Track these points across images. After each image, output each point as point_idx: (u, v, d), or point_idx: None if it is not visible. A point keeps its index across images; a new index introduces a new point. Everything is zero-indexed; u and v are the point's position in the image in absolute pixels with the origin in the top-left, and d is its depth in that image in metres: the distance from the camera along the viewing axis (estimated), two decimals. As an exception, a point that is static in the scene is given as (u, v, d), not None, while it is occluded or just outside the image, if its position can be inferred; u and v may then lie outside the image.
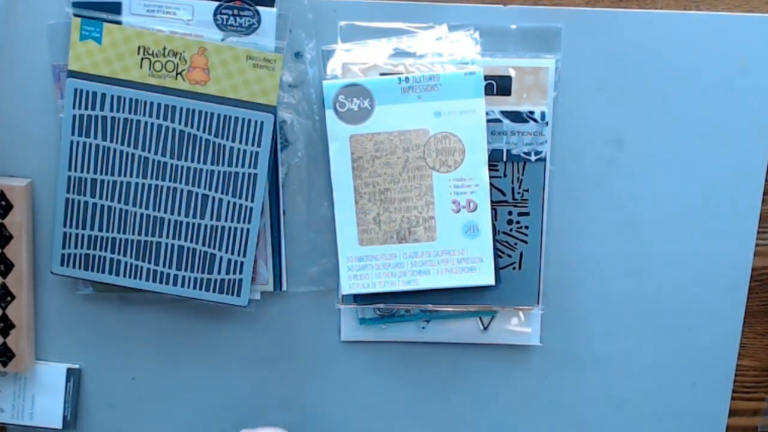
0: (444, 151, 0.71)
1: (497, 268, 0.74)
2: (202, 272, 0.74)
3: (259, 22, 0.70)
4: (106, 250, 0.73)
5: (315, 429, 0.81)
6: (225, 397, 0.80)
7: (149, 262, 0.74)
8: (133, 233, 0.73)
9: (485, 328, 0.77)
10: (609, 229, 0.76)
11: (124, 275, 0.74)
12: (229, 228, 0.73)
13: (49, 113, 0.73)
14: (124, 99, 0.71)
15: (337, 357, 0.79)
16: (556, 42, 0.72)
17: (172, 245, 0.73)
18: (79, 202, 0.73)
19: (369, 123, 0.71)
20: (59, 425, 0.79)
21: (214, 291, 0.74)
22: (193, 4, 0.70)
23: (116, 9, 0.70)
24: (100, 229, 0.73)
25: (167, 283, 0.74)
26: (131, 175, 0.72)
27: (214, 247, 0.73)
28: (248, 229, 0.73)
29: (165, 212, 0.73)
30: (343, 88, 0.71)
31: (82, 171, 0.72)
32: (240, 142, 0.71)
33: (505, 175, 0.73)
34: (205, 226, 0.73)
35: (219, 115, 0.71)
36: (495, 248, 0.73)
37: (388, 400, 0.80)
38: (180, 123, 0.71)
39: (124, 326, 0.78)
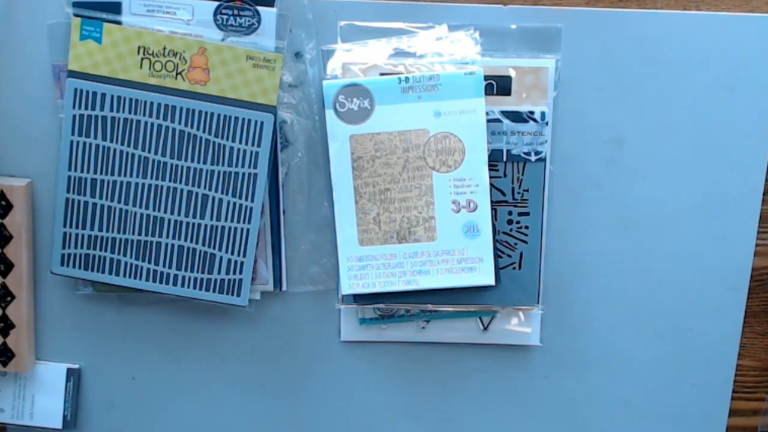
0: (444, 151, 0.71)
1: (497, 268, 0.74)
2: (202, 272, 0.74)
3: (259, 22, 0.70)
4: (106, 250, 0.73)
5: (315, 429, 0.81)
6: (225, 396, 0.80)
7: (149, 262, 0.74)
8: (133, 233, 0.73)
9: (485, 328, 0.77)
10: (609, 229, 0.76)
11: (124, 275, 0.74)
12: (229, 228, 0.73)
13: (49, 113, 0.73)
14: (124, 99, 0.71)
15: (337, 357, 0.79)
16: (556, 42, 0.72)
17: (172, 245, 0.73)
18: (79, 202, 0.73)
19: (369, 123, 0.71)
20: (59, 425, 0.79)
21: (214, 291, 0.74)
22: (193, 4, 0.70)
23: (116, 9, 0.70)
24: (100, 229, 0.73)
25: (167, 283, 0.74)
26: (131, 175, 0.72)
27: (214, 247, 0.73)
28: (248, 229, 0.73)
29: (165, 212, 0.73)
30: (343, 88, 0.71)
31: (82, 171, 0.72)
32: (240, 142, 0.71)
33: (505, 175, 0.73)
34: (205, 226, 0.73)
35: (219, 115, 0.71)
36: (495, 248, 0.73)
37: (388, 400, 0.80)
38: (180, 123, 0.71)
39: (124, 326, 0.78)
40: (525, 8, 0.72)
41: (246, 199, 0.72)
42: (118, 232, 0.73)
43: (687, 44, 0.72)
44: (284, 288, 0.76)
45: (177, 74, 0.70)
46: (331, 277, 0.76)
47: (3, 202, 0.73)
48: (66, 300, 0.77)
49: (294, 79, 0.73)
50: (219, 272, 0.74)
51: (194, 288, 0.74)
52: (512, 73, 0.72)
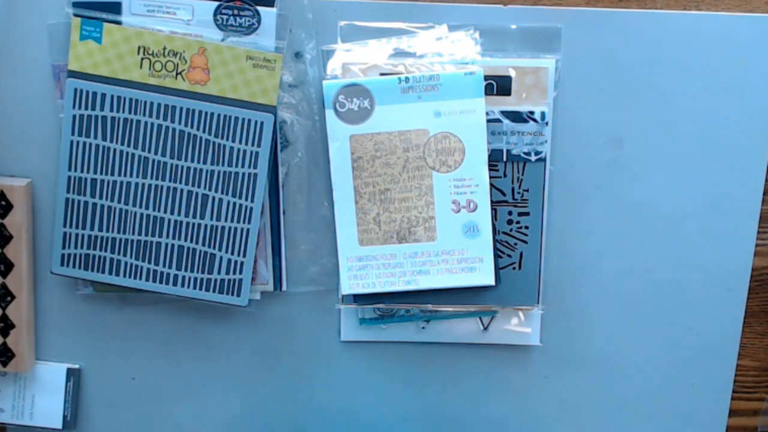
0: (444, 151, 0.71)
1: (497, 268, 0.74)
2: (202, 272, 0.74)
3: (259, 22, 0.70)
4: (106, 250, 0.73)
5: (315, 429, 0.81)
6: (225, 397, 0.80)
7: (149, 262, 0.74)
8: (133, 233, 0.73)
9: (485, 328, 0.77)
10: (609, 229, 0.76)
11: (124, 275, 0.74)
12: (229, 228, 0.73)
13: (49, 113, 0.73)
14: (124, 99, 0.71)
15: (337, 357, 0.79)
16: (556, 42, 0.72)
17: (172, 245, 0.73)
18: (79, 202, 0.73)
19: (369, 123, 0.71)
20: (59, 425, 0.79)
21: (214, 291, 0.74)
22: (193, 4, 0.70)
23: (116, 9, 0.70)
24: (100, 229, 0.73)
25: (167, 283, 0.74)
26: (131, 175, 0.72)
27: (214, 247, 0.73)
28: (248, 229, 0.73)
29: (165, 212, 0.73)
30: (343, 88, 0.71)
31: (82, 171, 0.72)
32: (240, 142, 0.71)
33: (505, 175, 0.73)
34: (205, 226, 0.73)
35: (219, 115, 0.71)
36: (495, 248, 0.73)
37: (388, 400, 0.80)
38: (180, 123, 0.71)
39: (124, 326, 0.78)
40: (525, 8, 0.72)
41: (246, 199, 0.72)
42: (118, 232, 0.73)
43: (687, 44, 0.72)
44: (284, 288, 0.76)
45: (177, 74, 0.70)
46: (331, 277, 0.76)
47: (3, 202, 0.73)
48: (66, 300, 0.77)
49: (294, 79, 0.73)
50: (219, 272, 0.74)
51: (194, 288, 0.74)
52: (512, 73, 0.72)
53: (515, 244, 0.74)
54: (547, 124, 0.72)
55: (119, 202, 0.73)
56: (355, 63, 0.71)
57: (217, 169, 0.72)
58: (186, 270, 0.74)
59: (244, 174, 0.72)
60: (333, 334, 0.78)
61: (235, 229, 0.73)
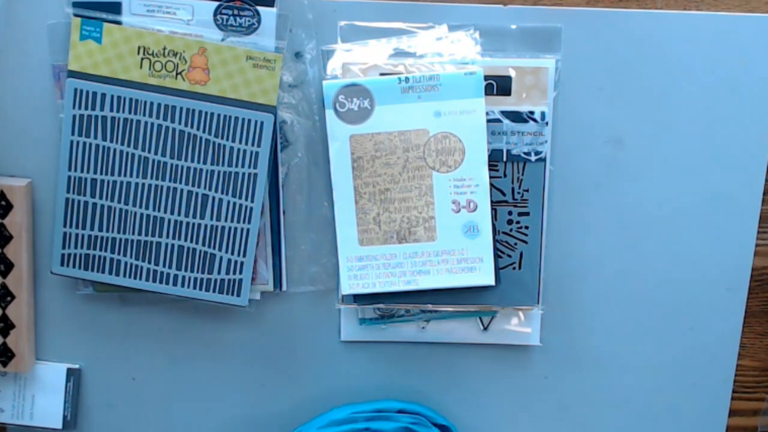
0: (444, 151, 0.71)
1: (497, 268, 0.74)
2: (202, 272, 0.74)
3: (259, 22, 0.70)
4: (106, 250, 0.73)
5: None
6: (225, 397, 0.80)
7: (149, 262, 0.74)
8: (133, 233, 0.73)
9: (485, 328, 0.77)
10: (609, 229, 0.76)
11: (124, 275, 0.74)
12: (229, 228, 0.73)
13: (49, 113, 0.73)
14: (124, 99, 0.71)
15: (337, 357, 0.79)
16: (556, 42, 0.72)
17: (172, 245, 0.73)
18: (79, 202, 0.73)
19: (369, 123, 0.71)
20: (59, 425, 0.79)
21: (214, 291, 0.74)
22: (193, 4, 0.70)
23: (116, 9, 0.70)
24: (100, 229, 0.73)
25: (167, 283, 0.74)
26: (131, 175, 0.72)
27: (214, 247, 0.73)
28: (248, 229, 0.73)
29: (165, 212, 0.73)
30: (343, 88, 0.71)
31: (82, 171, 0.72)
32: (240, 142, 0.71)
33: (505, 175, 0.73)
34: (205, 226, 0.73)
35: (219, 115, 0.71)
36: (495, 248, 0.73)
37: (388, 400, 0.80)
38: (180, 123, 0.71)
39: (124, 326, 0.78)
40: (525, 8, 0.72)
41: (246, 199, 0.72)
42: (118, 232, 0.73)
43: (687, 44, 0.72)
44: (284, 288, 0.76)
45: (177, 74, 0.70)
46: (331, 277, 0.76)
47: (3, 202, 0.73)
48: (66, 300, 0.77)
49: (294, 79, 0.73)
50: (219, 272, 0.74)
51: (194, 288, 0.74)
52: (512, 73, 0.72)
53: (515, 244, 0.74)
54: (547, 124, 0.72)
55: (119, 202, 0.73)
56: (355, 63, 0.71)
57: (217, 169, 0.72)
58: (186, 270, 0.74)
59: (244, 174, 0.72)
60: (333, 334, 0.78)
61: (235, 229, 0.73)
